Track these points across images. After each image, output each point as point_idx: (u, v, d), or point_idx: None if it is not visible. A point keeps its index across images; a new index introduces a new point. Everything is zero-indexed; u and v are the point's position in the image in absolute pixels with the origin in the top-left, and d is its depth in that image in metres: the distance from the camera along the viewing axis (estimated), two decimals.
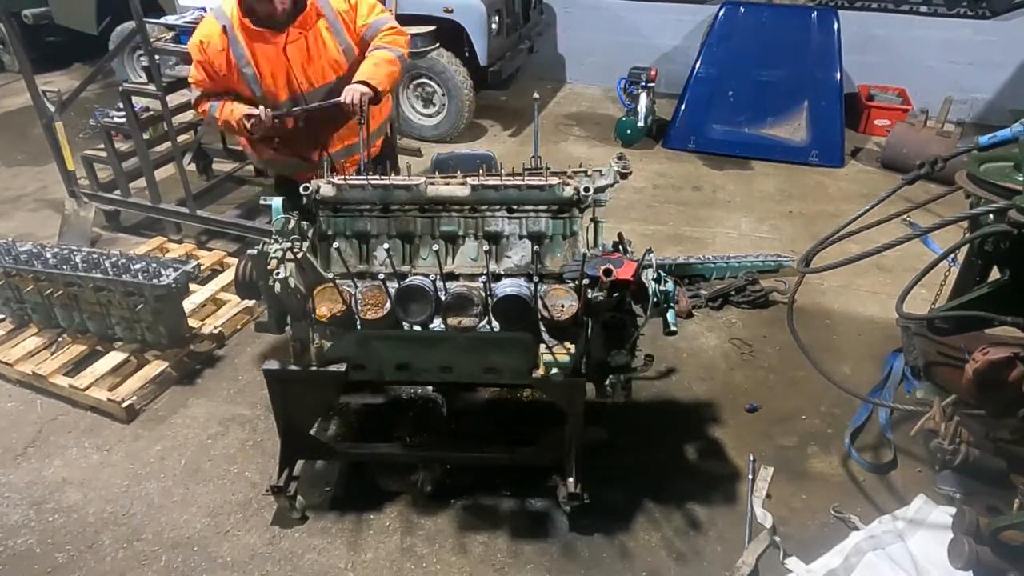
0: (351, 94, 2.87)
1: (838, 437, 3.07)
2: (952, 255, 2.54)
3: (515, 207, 2.49)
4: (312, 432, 2.75)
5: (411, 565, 2.55)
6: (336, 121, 3.09)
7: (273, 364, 2.49)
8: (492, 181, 2.46)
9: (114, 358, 3.37)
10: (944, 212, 3.14)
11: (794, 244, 4.51)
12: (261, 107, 2.93)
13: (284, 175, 3.31)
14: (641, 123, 5.84)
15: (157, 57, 3.99)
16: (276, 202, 2.45)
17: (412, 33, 5.61)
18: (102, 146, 4.44)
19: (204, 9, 4.07)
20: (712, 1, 6.16)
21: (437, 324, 2.37)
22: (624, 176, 2.52)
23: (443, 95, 5.81)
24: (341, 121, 3.08)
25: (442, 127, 5.94)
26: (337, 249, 2.47)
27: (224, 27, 2.91)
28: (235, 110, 2.98)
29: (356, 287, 2.40)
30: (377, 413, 3.15)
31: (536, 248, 2.49)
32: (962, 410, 2.51)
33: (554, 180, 2.45)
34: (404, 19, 5.54)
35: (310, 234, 2.52)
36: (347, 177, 2.48)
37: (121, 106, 4.20)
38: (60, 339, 3.53)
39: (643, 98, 5.82)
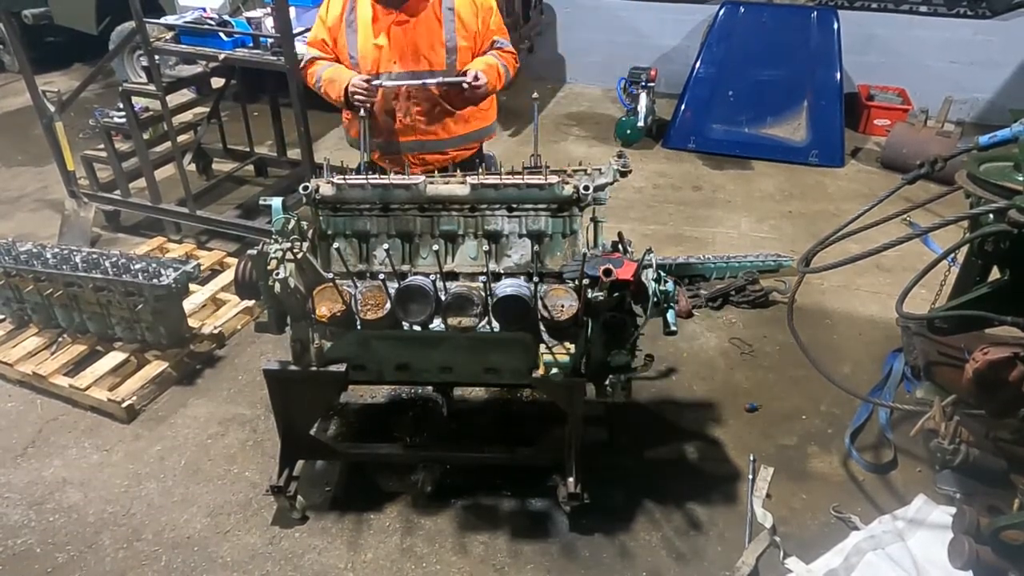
0: (476, 72, 2.90)
1: (838, 437, 3.07)
2: (952, 255, 2.54)
3: (515, 206, 2.49)
4: (312, 432, 2.75)
5: (411, 565, 2.55)
6: (423, 107, 3.06)
7: (273, 364, 2.50)
8: (491, 180, 2.46)
9: (114, 358, 3.37)
10: (944, 212, 3.13)
11: (794, 244, 4.50)
12: (358, 78, 2.91)
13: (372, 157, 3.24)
14: (641, 123, 5.84)
15: (157, 57, 3.98)
16: (276, 202, 2.45)
17: None
18: (102, 146, 4.44)
19: (204, 9, 4.07)
20: (712, 1, 6.15)
21: (437, 324, 2.36)
22: (624, 174, 2.52)
23: None
24: (427, 108, 3.06)
25: None
26: (337, 249, 2.47)
27: None
28: (341, 76, 2.95)
29: (356, 287, 2.40)
30: (377, 413, 3.15)
31: (536, 247, 2.49)
32: (962, 410, 2.51)
33: (553, 179, 2.45)
34: None
35: (310, 234, 2.52)
36: (347, 177, 2.48)
37: (121, 106, 4.20)
38: (60, 339, 3.53)
39: (643, 98, 5.82)
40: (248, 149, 5.26)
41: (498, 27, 3.13)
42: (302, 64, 3.15)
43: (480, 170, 2.51)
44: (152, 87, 4.02)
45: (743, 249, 4.38)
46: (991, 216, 2.22)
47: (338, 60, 3.08)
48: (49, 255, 3.40)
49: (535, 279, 2.34)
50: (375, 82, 2.94)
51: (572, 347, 2.36)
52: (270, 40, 3.84)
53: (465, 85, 2.91)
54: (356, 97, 2.92)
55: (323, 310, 2.32)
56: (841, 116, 5.66)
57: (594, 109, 6.80)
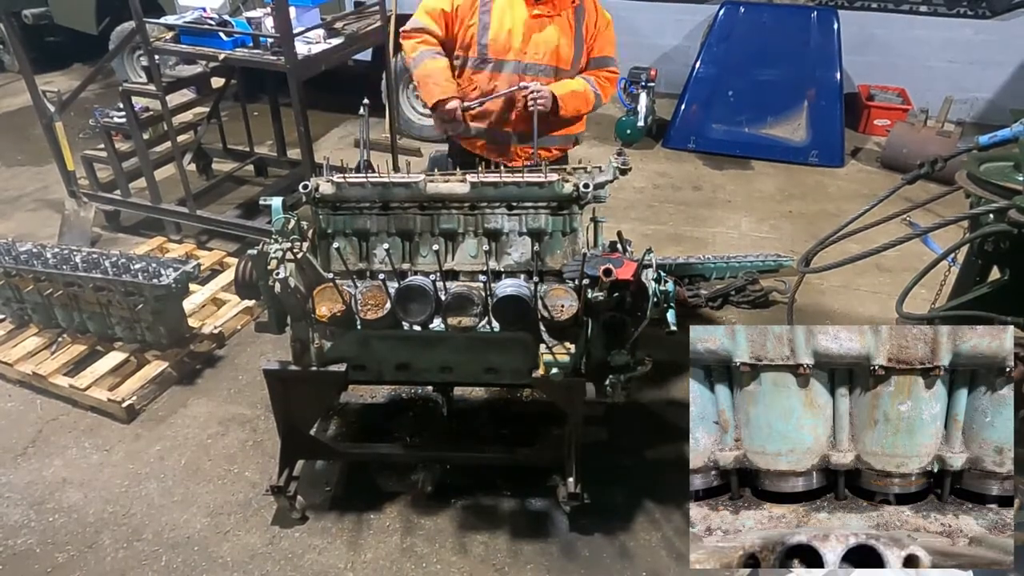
0: (534, 92, 2.87)
1: None
2: (952, 255, 2.54)
3: (515, 204, 2.49)
4: (312, 432, 2.75)
5: (411, 565, 2.55)
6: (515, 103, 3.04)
7: (273, 364, 2.49)
8: (491, 178, 2.46)
9: (114, 358, 3.37)
10: (944, 212, 3.13)
11: (794, 244, 4.50)
12: (455, 101, 2.94)
13: (457, 139, 3.26)
14: (641, 123, 5.85)
15: (157, 57, 3.98)
16: (276, 202, 2.45)
17: None
18: (102, 146, 4.44)
19: (204, 9, 4.07)
20: (712, 1, 6.16)
21: (437, 324, 2.36)
22: (624, 172, 2.51)
23: None
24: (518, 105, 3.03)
25: None
26: (337, 248, 2.47)
27: None
28: (436, 84, 2.93)
29: (356, 287, 2.39)
30: (377, 413, 3.15)
31: (536, 245, 2.49)
32: None
33: (553, 177, 2.45)
34: (404, 19, 5.53)
35: (310, 233, 2.52)
36: (346, 175, 2.48)
37: (121, 106, 4.20)
38: (60, 339, 3.52)
39: (643, 98, 5.83)
40: (248, 149, 5.26)
41: (611, 44, 3.10)
42: (407, 29, 3.06)
43: (480, 168, 2.51)
44: (152, 87, 4.02)
45: (743, 249, 4.38)
46: (991, 216, 2.23)
47: (446, 39, 3.02)
48: (49, 255, 3.40)
49: (535, 278, 2.34)
50: (465, 104, 2.96)
51: (572, 347, 2.36)
52: (270, 40, 3.84)
53: (520, 97, 2.90)
54: (447, 123, 3.00)
55: (323, 310, 2.32)
56: (841, 116, 5.67)
57: None
